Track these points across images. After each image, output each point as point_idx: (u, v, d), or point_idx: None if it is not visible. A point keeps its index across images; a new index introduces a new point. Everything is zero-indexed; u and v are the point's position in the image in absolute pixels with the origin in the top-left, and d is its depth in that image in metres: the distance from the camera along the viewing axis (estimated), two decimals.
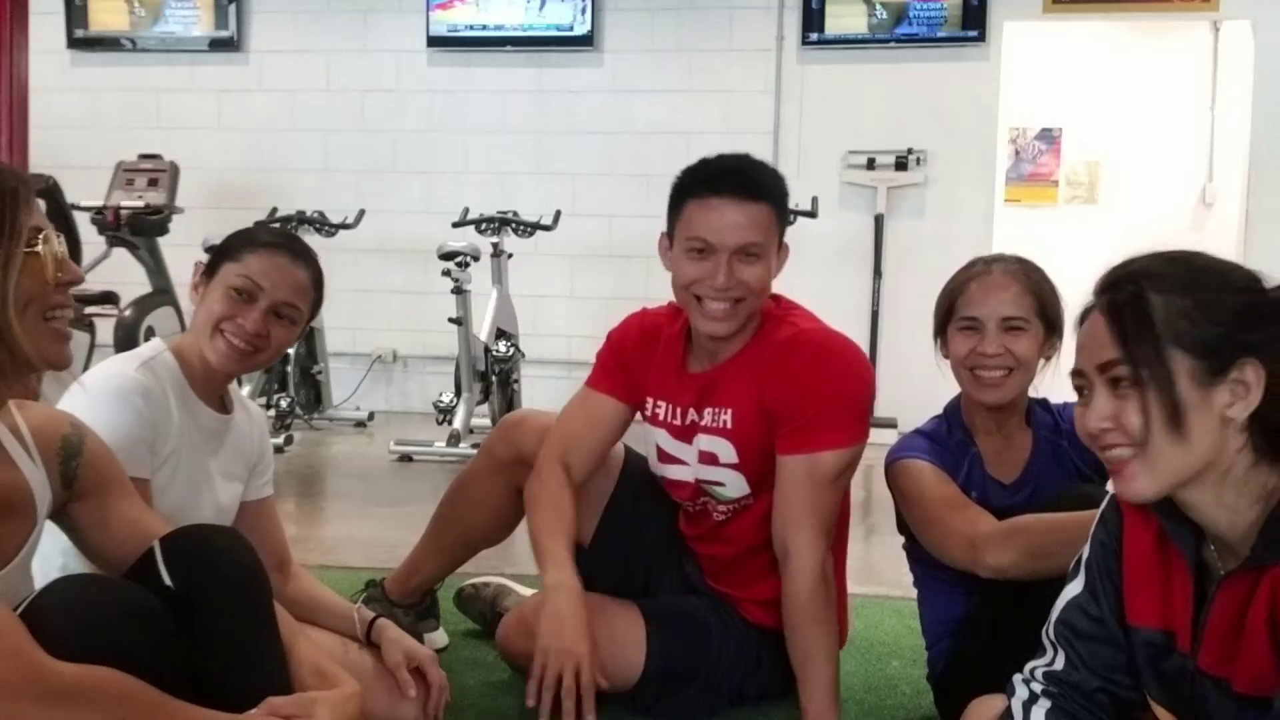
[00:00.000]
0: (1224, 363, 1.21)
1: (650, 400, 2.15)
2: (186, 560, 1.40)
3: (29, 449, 1.42)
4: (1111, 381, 1.26)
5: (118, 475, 1.56)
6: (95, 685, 1.20)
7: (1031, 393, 2.04)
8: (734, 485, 2.08)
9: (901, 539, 2.13)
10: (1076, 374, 1.32)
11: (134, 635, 1.28)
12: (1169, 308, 1.23)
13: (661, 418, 2.13)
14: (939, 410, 2.10)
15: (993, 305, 1.95)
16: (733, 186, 1.94)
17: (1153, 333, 1.22)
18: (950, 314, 2.00)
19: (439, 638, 2.48)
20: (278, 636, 1.47)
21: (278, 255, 1.88)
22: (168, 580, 1.38)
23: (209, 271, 1.90)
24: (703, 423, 2.07)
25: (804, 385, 1.96)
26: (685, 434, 2.09)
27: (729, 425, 2.04)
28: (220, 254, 1.90)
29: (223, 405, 1.95)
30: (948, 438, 2.03)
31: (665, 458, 2.16)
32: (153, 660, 1.28)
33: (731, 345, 2.05)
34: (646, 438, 2.20)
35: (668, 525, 2.22)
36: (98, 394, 1.69)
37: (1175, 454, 1.23)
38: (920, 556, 2.06)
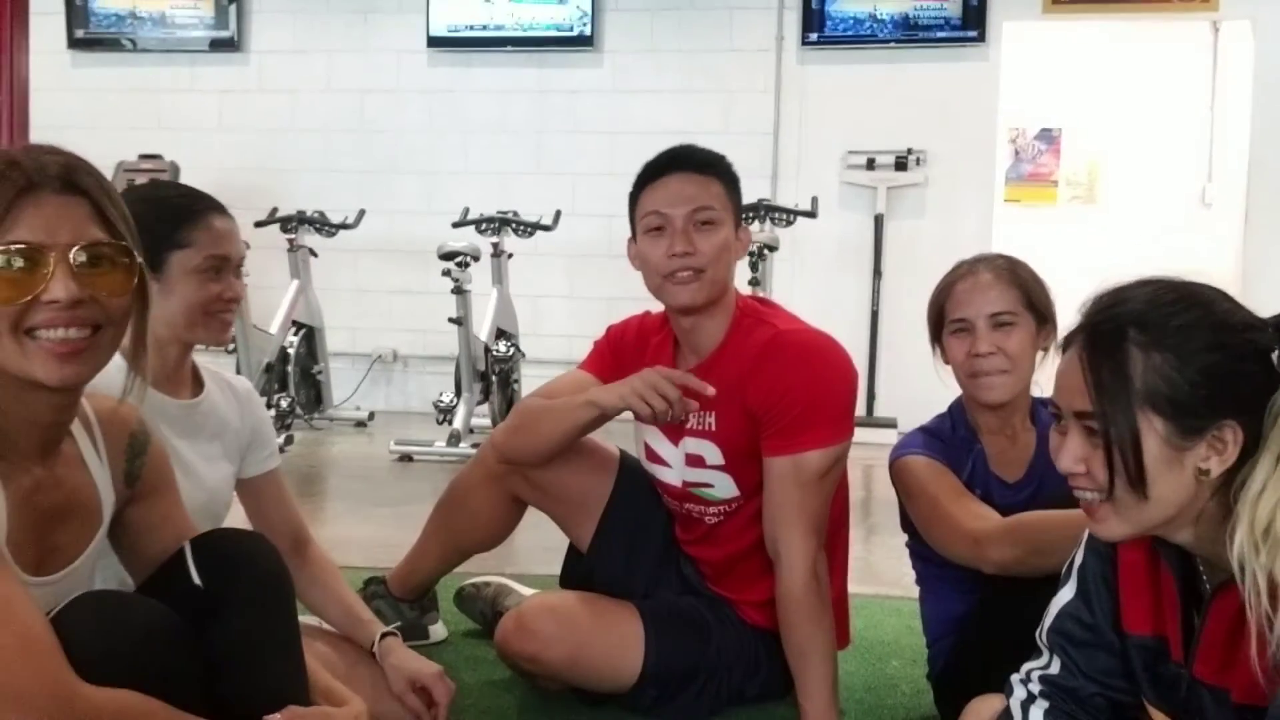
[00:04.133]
0: (1200, 425, 1.19)
1: None
2: (216, 560, 1.43)
3: (97, 446, 1.42)
4: (1086, 428, 1.25)
5: (171, 477, 1.55)
6: (121, 710, 1.22)
7: (1035, 392, 2.04)
8: (723, 486, 2.08)
9: (904, 537, 2.14)
10: (1054, 404, 1.30)
11: (158, 653, 1.30)
12: (1147, 364, 1.20)
13: None
14: (939, 410, 2.11)
15: (979, 304, 1.97)
16: (680, 164, 2.04)
17: (1127, 393, 1.20)
18: (941, 320, 2.02)
19: (438, 630, 2.49)
20: (298, 637, 1.49)
21: (215, 219, 1.85)
22: (197, 579, 1.41)
23: (151, 268, 1.77)
24: (688, 425, 2.08)
25: (786, 386, 1.97)
26: (674, 434, 2.10)
27: (713, 427, 2.05)
28: (158, 246, 1.78)
29: (194, 388, 1.92)
30: (952, 435, 2.04)
31: (653, 458, 2.17)
32: (174, 678, 1.31)
33: (710, 332, 2.06)
34: (636, 436, 2.21)
35: (666, 528, 2.22)
36: None
37: (1141, 508, 1.23)
38: (924, 554, 2.06)
